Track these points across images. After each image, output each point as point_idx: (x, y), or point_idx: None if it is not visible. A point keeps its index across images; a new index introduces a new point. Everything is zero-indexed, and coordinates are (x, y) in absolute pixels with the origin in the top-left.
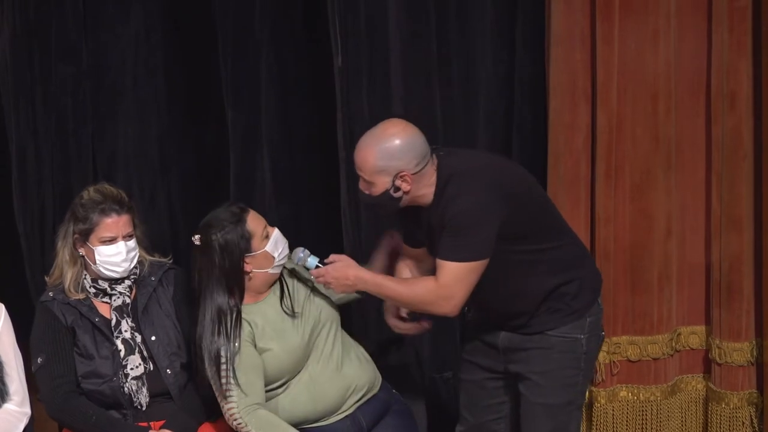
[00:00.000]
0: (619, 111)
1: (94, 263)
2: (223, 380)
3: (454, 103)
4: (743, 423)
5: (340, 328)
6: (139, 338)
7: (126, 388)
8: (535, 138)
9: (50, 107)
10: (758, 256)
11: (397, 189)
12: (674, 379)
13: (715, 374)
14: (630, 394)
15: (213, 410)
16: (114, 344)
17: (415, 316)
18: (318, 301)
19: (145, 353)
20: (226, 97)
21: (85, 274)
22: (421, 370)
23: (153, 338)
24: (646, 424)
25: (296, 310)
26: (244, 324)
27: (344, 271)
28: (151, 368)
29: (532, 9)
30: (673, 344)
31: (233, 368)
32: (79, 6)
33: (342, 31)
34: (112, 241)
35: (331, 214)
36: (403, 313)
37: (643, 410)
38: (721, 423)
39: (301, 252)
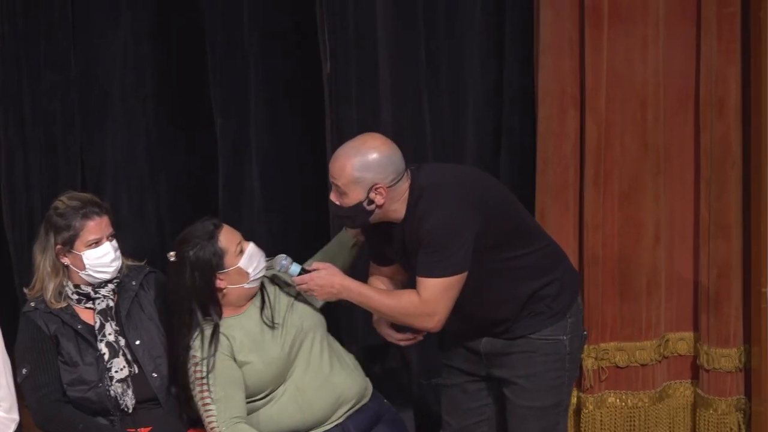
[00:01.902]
0: (607, 118)
1: (83, 269)
2: (204, 394)
3: (442, 110)
4: (731, 429)
5: (326, 334)
6: (122, 341)
7: (111, 392)
8: (523, 145)
9: (39, 114)
10: (746, 263)
11: (371, 202)
12: (662, 385)
13: (703, 380)
14: (618, 400)
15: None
16: (98, 350)
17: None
18: (301, 309)
19: (129, 356)
20: (215, 105)
21: (67, 282)
22: (410, 376)
23: (137, 342)
24: (634, 430)
25: (276, 321)
26: (222, 338)
27: (329, 279)
28: (136, 371)
29: (520, 16)
30: (662, 350)
31: (212, 383)
32: (67, 13)
33: (331, 39)
34: (98, 243)
35: (320, 222)
36: None
37: (631, 416)
38: (709, 429)
39: (283, 259)
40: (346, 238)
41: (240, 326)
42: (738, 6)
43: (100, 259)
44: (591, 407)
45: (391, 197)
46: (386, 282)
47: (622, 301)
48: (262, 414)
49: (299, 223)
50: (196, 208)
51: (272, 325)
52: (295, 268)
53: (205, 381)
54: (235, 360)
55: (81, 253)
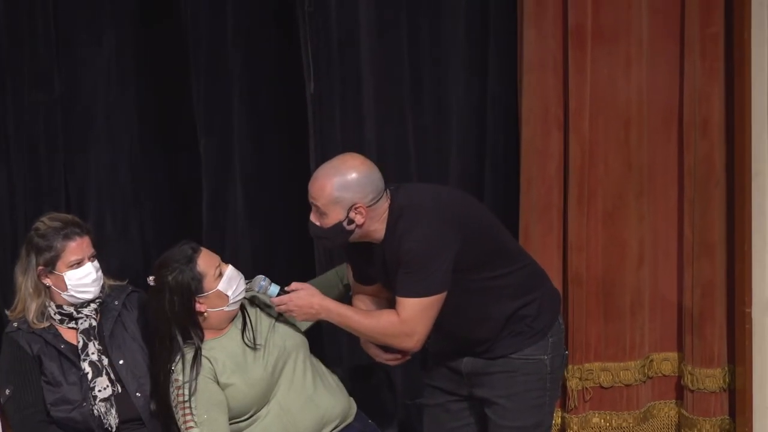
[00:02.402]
0: (591, 138)
1: (65, 290)
2: (186, 417)
3: (426, 129)
4: None
5: (309, 354)
6: (105, 361)
7: (95, 411)
8: (507, 165)
9: (22, 134)
10: (730, 283)
11: (351, 222)
12: (647, 406)
13: (688, 400)
14: (602, 421)
15: None
16: (81, 369)
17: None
18: (283, 330)
19: (112, 375)
20: (198, 124)
21: (49, 303)
22: (394, 396)
23: (121, 362)
24: None
25: (258, 342)
26: (204, 361)
27: (308, 299)
28: (119, 390)
29: (504, 36)
30: (646, 370)
31: (195, 406)
32: (50, 33)
33: (314, 58)
34: (79, 263)
35: (303, 241)
36: None
37: None
38: None
39: (262, 280)
40: (344, 271)
41: (222, 348)
42: (721, 26)
43: (82, 279)
44: (576, 428)
45: (371, 217)
46: (369, 301)
47: (606, 321)
48: None
49: (283, 242)
50: (180, 227)
51: (254, 347)
52: (274, 288)
53: (187, 404)
54: (218, 382)
55: (63, 274)
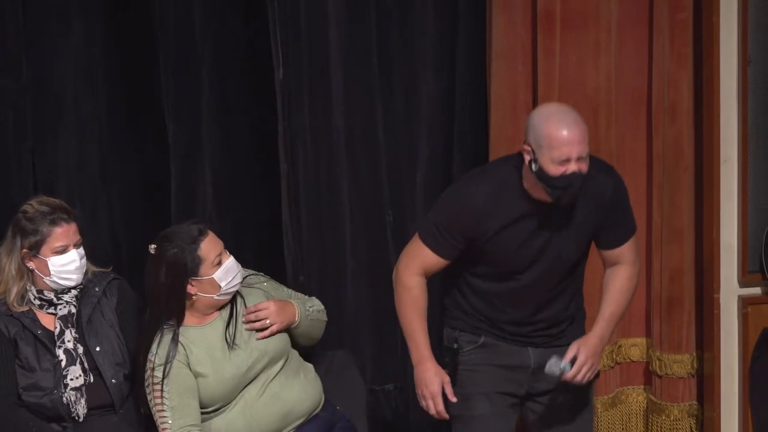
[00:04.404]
0: None
1: (48, 275)
2: (157, 401)
3: (395, 115)
4: None
5: (290, 362)
6: (81, 350)
7: (65, 399)
8: (476, 151)
9: None
10: (699, 268)
11: None
12: (615, 391)
13: (656, 386)
14: None
15: (152, 423)
16: (56, 356)
17: None
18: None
19: (86, 365)
20: (167, 109)
21: (30, 287)
22: (364, 382)
23: (98, 348)
24: None
25: (237, 341)
26: (180, 346)
27: (591, 348)
28: (91, 380)
29: (473, 22)
30: (614, 356)
31: (167, 390)
32: (19, 19)
33: (283, 45)
34: (64, 250)
35: (272, 227)
36: None
37: None
38: None
39: (560, 364)
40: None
41: (201, 338)
42: (690, 11)
43: (66, 266)
44: None
45: None
46: (424, 282)
47: None
48: (213, 425)
49: (252, 229)
50: (149, 213)
51: (232, 345)
52: (566, 365)
53: (159, 387)
54: (190, 369)
55: (47, 259)
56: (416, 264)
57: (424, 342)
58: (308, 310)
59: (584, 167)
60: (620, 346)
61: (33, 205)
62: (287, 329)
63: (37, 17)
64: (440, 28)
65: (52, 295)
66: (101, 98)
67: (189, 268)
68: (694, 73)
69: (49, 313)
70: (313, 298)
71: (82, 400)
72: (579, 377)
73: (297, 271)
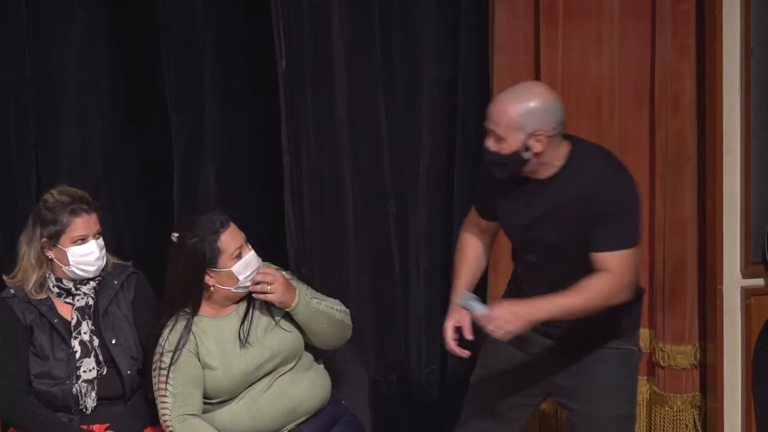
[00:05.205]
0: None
1: (67, 264)
2: (161, 385)
3: (398, 106)
4: (686, 426)
5: (301, 361)
6: (96, 342)
7: (75, 390)
8: (479, 142)
9: None
10: (702, 259)
11: (527, 149)
12: None
13: (659, 377)
14: None
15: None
16: (70, 347)
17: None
18: (282, 335)
19: (100, 357)
20: (169, 101)
21: (50, 275)
22: (367, 373)
23: (113, 341)
24: None
25: (250, 339)
26: (191, 335)
27: (513, 309)
28: (104, 372)
29: (475, 13)
30: None
31: (172, 376)
32: (21, 13)
33: (286, 35)
34: (83, 240)
35: (275, 219)
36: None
37: None
38: (664, 426)
39: (471, 298)
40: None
41: (214, 330)
42: (693, 2)
43: (85, 257)
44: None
45: (549, 148)
46: (478, 237)
47: None
48: (216, 417)
49: (255, 220)
50: (152, 206)
51: (244, 343)
52: (480, 306)
53: (165, 372)
54: (198, 359)
55: (66, 249)
56: (467, 220)
57: (457, 285)
58: (312, 300)
59: (492, 143)
60: None
61: (53, 195)
62: (299, 329)
63: (40, 11)
64: (443, 19)
65: (70, 285)
66: (103, 92)
67: (208, 258)
68: (697, 64)
69: (66, 303)
70: (337, 300)
71: (93, 393)
72: (484, 324)
73: (300, 263)
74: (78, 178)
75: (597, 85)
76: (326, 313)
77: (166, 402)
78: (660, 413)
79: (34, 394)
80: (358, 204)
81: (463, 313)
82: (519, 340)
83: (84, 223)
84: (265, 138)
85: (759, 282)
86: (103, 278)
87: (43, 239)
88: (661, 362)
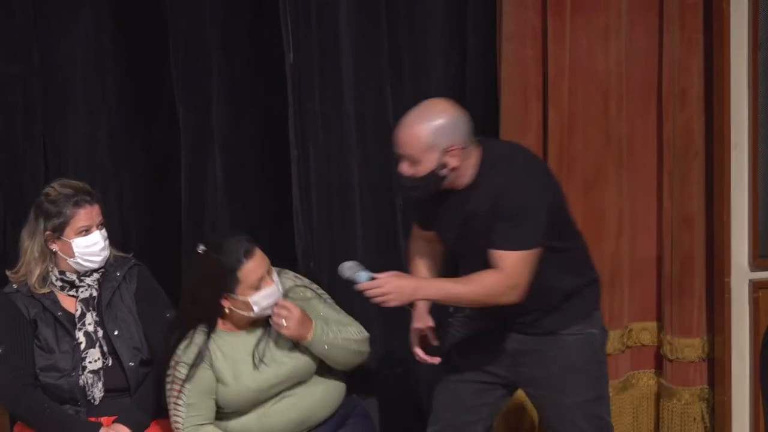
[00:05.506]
0: (570, 108)
1: (72, 256)
2: (175, 393)
3: (405, 99)
4: (694, 419)
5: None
6: (101, 333)
7: (81, 381)
8: (486, 135)
9: (0, 105)
10: (709, 253)
11: (444, 166)
12: (626, 375)
13: (667, 370)
14: None
15: (163, 407)
16: (75, 338)
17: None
18: (298, 357)
19: (105, 348)
20: (177, 95)
21: (53, 268)
22: (374, 366)
23: (116, 332)
24: None
25: (265, 360)
26: (197, 347)
27: (398, 282)
28: (110, 364)
29: (482, 6)
30: (625, 340)
31: (188, 388)
32: (28, 5)
33: (293, 29)
34: (87, 231)
35: (283, 213)
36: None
37: None
38: (672, 418)
39: (355, 266)
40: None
41: (231, 346)
42: None
43: (90, 247)
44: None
45: (464, 160)
46: (426, 246)
47: None
48: (228, 426)
49: (262, 214)
50: (159, 200)
51: (258, 365)
52: (365, 274)
53: (180, 384)
54: (213, 371)
55: (70, 240)
56: (412, 233)
57: None
58: (327, 335)
59: (406, 168)
60: (631, 330)
61: (55, 188)
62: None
63: (47, 4)
64: (450, 13)
65: (74, 277)
66: (111, 85)
67: (227, 283)
68: (705, 58)
69: (70, 295)
70: (355, 325)
71: (100, 384)
72: (368, 293)
73: (308, 257)
74: (85, 171)
75: (604, 79)
76: (342, 346)
77: (179, 411)
78: (668, 406)
79: (41, 387)
80: (366, 199)
81: (425, 319)
82: (479, 333)
83: (87, 214)
84: (272, 132)
85: (767, 275)
86: (105, 270)
87: (47, 232)
88: (669, 355)
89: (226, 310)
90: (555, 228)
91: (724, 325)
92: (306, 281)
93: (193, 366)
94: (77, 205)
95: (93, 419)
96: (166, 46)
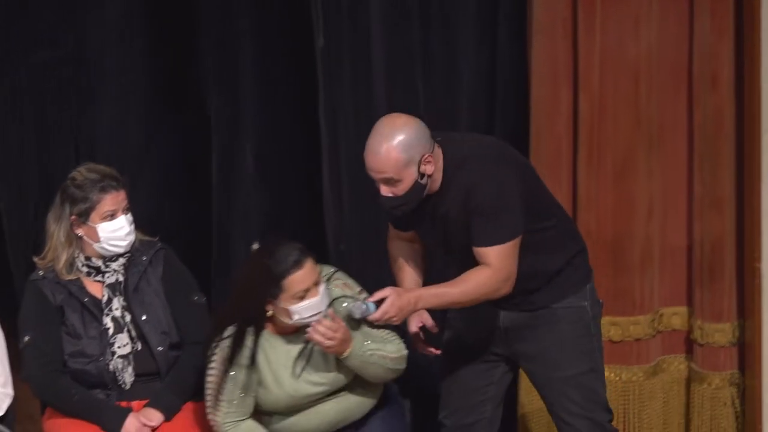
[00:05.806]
0: (600, 95)
1: (98, 241)
2: (213, 386)
3: (436, 87)
4: (725, 403)
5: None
6: (128, 317)
7: (111, 366)
8: (517, 123)
9: (33, 91)
10: (740, 237)
11: (423, 175)
12: (656, 360)
13: (697, 355)
14: (612, 375)
15: (199, 389)
16: (102, 324)
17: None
18: (338, 370)
19: (133, 333)
20: (207, 82)
21: (79, 254)
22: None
23: (144, 317)
24: (628, 404)
25: (305, 372)
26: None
27: (401, 299)
28: (139, 348)
29: None
30: (655, 325)
31: (230, 383)
32: None
33: (324, 13)
34: (113, 216)
35: (313, 199)
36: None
37: (625, 390)
38: (703, 403)
39: (361, 305)
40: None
41: (275, 349)
42: None
43: (116, 232)
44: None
45: (436, 163)
46: (407, 247)
47: (616, 276)
48: (266, 422)
49: (292, 200)
50: (190, 184)
51: (299, 375)
52: (372, 305)
53: (222, 379)
54: (253, 370)
55: (96, 225)
56: (390, 233)
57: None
58: (365, 353)
59: (387, 190)
60: (662, 314)
61: (81, 173)
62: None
63: None
64: (481, 4)
65: (100, 263)
66: (142, 70)
67: (271, 289)
68: (735, 43)
69: (96, 281)
70: (395, 342)
71: (130, 368)
72: (383, 319)
73: (338, 240)
74: (116, 156)
75: (635, 65)
76: (377, 364)
77: (221, 406)
78: (699, 391)
79: (70, 373)
80: None
81: (422, 318)
82: (474, 316)
83: (113, 199)
84: (303, 117)
85: None
86: (131, 254)
87: (73, 217)
88: (700, 340)
89: (269, 313)
90: (532, 210)
91: (755, 310)
92: (354, 291)
93: (237, 364)
94: (103, 190)
95: (124, 403)
96: (197, 32)
